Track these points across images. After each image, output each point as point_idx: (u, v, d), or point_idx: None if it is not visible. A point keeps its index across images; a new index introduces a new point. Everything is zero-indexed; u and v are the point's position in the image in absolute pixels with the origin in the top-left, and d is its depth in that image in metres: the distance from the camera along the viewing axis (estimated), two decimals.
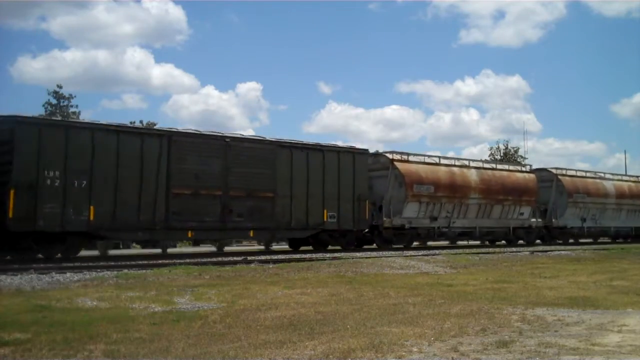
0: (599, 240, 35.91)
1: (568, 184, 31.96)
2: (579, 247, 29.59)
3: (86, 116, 43.04)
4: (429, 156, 27.27)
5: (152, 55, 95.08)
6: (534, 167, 36.66)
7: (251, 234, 20.80)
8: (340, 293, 10.88)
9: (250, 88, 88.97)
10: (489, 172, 28.50)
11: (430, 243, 28.35)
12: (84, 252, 19.61)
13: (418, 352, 6.11)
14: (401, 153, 25.71)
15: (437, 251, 23.29)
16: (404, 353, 6.07)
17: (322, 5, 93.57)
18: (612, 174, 37.58)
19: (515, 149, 54.78)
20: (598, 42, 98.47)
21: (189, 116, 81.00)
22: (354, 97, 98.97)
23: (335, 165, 22.12)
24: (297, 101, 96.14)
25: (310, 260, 17.76)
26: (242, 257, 18.20)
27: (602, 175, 36.32)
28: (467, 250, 24.01)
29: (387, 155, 25.24)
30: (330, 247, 23.10)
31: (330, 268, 15.78)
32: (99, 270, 14.03)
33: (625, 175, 38.35)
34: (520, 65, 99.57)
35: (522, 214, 29.32)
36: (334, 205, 21.91)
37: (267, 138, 20.96)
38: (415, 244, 26.79)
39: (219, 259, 17.97)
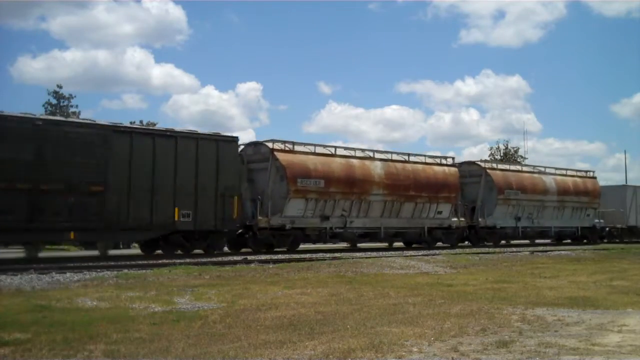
0: (536, 242, 32.59)
1: (498, 179, 28.63)
2: (578, 247, 29.44)
3: (86, 116, 43.00)
4: (325, 146, 23.54)
5: (152, 55, 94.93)
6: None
7: (72, 236, 17.14)
8: (340, 293, 10.89)
9: (250, 88, 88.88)
10: (399, 164, 24.86)
11: (322, 246, 24.53)
12: (84, 252, 19.62)
13: (418, 352, 6.12)
14: (285, 142, 22.10)
15: (437, 251, 23.30)
16: (404, 353, 6.08)
17: (322, 5, 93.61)
18: (556, 168, 33.84)
19: (515, 149, 54.76)
20: (598, 42, 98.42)
21: (189, 116, 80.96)
22: (354, 97, 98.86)
23: (192, 154, 18.81)
24: (297, 101, 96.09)
25: (310, 260, 17.78)
26: (242, 257, 18.22)
27: (542, 169, 32.73)
28: (467, 250, 24.02)
29: (268, 144, 21.61)
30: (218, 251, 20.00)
31: (330, 268, 15.79)
32: (99, 270, 14.04)
33: (571, 169, 34.90)
34: (520, 65, 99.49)
35: (440, 212, 25.93)
36: (189, 202, 18.62)
37: (98, 121, 17.87)
38: (305, 246, 23.56)
39: (219, 259, 17.97)
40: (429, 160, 26.75)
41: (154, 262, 16.23)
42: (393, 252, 22.15)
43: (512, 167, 31.11)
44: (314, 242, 23.40)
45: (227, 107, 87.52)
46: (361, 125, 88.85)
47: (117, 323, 7.56)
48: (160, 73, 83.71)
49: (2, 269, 13.24)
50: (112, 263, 15.72)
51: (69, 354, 5.98)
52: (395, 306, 9.30)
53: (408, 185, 24.55)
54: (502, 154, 54.12)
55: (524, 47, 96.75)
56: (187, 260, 16.66)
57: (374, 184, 23.50)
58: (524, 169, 31.85)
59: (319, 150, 22.88)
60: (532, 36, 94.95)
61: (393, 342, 6.54)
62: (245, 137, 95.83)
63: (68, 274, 13.07)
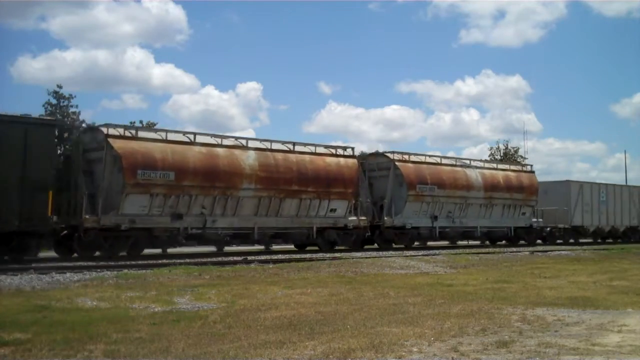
0: (458, 243, 29.31)
1: (409, 173, 25.06)
2: (578, 247, 29.40)
3: (86, 116, 43.00)
4: (184, 133, 20.25)
5: (152, 55, 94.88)
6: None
7: None
8: (340, 293, 10.89)
9: (250, 88, 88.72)
10: (279, 154, 21.32)
11: (173, 250, 20.80)
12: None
13: (418, 352, 6.12)
14: (126, 127, 18.94)
15: (437, 251, 23.30)
16: (404, 353, 6.08)
17: (322, 5, 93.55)
18: (484, 161, 30.28)
19: (515, 149, 54.70)
20: (598, 42, 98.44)
21: (189, 116, 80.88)
22: (354, 97, 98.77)
23: None
24: (297, 101, 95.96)
25: (310, 260, 17.78)
26: (242, 257, 18.21)
27: (467, 162, 28.77)
28: (467, 250, 24.01)
29: (103, 129, 18.41)
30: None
31: (330, 268, 15.79)
32: (99, 270, 14.05)
33: (502, 163, 30.97)
34: (521, 65, 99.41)
35: (333, 210, 22.53)
36: None
37: None
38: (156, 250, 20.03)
39: (219, 259, 17.98)
40: (320, 150, 22.95)
41: (154, 262, 16.25)
42: (393, 252, 22.15)
43: (429, 160, 27.30)
44: (165, 246, 20.04)
45: (227, 107, 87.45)
46: (361, 125, 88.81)
47: (117, 323, 7.56)
48: (161, 73, 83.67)
49: (2, 269, 13.25)
50: (112, 263, 15.73)
51: (69, 354, 5.98)
52: (395, 306, 9.30)
53: (290, 179, 21.14)
54: (502, 154, 54.17)
55: (524, 47, 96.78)
56: (187, 260, 16.68)
57: (245, 176, 20.07)
58: (444, 161, 27.82)
59: (173, 137, 19.34)
60: (532, 36, 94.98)
61: (393, 342, 6.54)
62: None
63: (68, 274, 13.07)
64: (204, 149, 19.57)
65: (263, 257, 18.35)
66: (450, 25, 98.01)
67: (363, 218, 23.64)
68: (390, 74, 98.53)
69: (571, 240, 32.85)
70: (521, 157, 54.01)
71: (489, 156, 54.43)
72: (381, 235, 24.82)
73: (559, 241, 32.02)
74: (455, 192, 26.62)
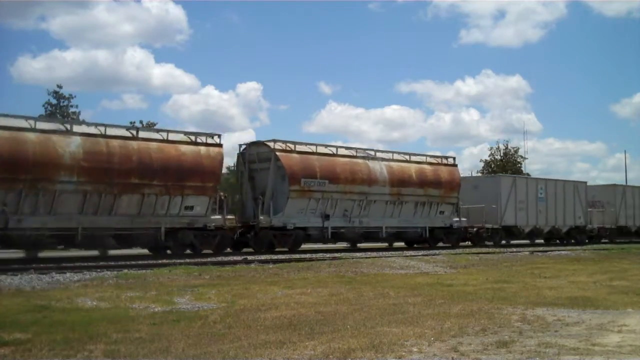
0: (359, 246, 25.19)
1: (291, 165, 21.42)
2: (578, 247, 29.28)
3: (86, 116, 43.01)
4: None
5: (152, 55, 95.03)
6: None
7: None
8: (340, 293, 10.89)
9: (250, 88, 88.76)
10: (116, 142, 17.88)
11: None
12: (84, 252, 19.60)
13: (418, 352, 6.12)
14: None
15: (437, 251, 23.28)
16: (404, 353, 6.08)
17: (322, 5, 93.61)
18: (393, 152, 26.00)
19: (515, 149, 54.70)
20: (598, 42, 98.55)
21: (189, 116, 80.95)
22: (354, 97, 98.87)
23: None
24: (297, 101, 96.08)
25: (310, 260, 17.78)
26: (242, 257, 18.21)
27: (371, 153, 24.69)
28: (467, 250, 24.00)
29: None
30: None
31: (330, 268, 15.79)
32: (99, 270, 14.06)
33: (418, 154, 26.83)
34: (521, 65, 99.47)
35: (189, 208, 19.21)
36: None
37: None
38: None
39: (219, 259, 17.97)
40: (174, 137, 19.41)
41: (154, 262, 16.25)
42: (393, 252, 22.14)
43: (320, 150, 22.98)
44: None
45: (227, 107, 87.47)
46: (361, 125, 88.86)
47: (117, 323, 7.56)
48: (161, 73, 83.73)
49: (2, 269, 13.25)
50: (112, 263, 15.74)
51: (69, 354, 5.98)
52: (395, 306, 9.30)
53: (128, 171, 17.80)
54: (502, 154, 54.14)
55: (524, 47, 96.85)
56: (187, 260, 16.68)
57: (63, 167, 16.76)
58: (340, 152, 23.67)
59: None
60: (532, 36, 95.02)
61: (393, 342, 6.55)
62: (246, 137, 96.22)
63: (68, 274, 13.08)
64: (6, 134, 16.19)
65: (263, 257, 18.35)
66: (450, 25, 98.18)
67: (230, 217, 20.58)
68: (390, 74, 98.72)
69: (503, 242, 29.40)
70: (521, 157, 54.11)
71: (489, 156, 54.50)
72: (257, 237, 21.32)
73: (488, 243, 28.41)
74: (353, 187, 22.93)
